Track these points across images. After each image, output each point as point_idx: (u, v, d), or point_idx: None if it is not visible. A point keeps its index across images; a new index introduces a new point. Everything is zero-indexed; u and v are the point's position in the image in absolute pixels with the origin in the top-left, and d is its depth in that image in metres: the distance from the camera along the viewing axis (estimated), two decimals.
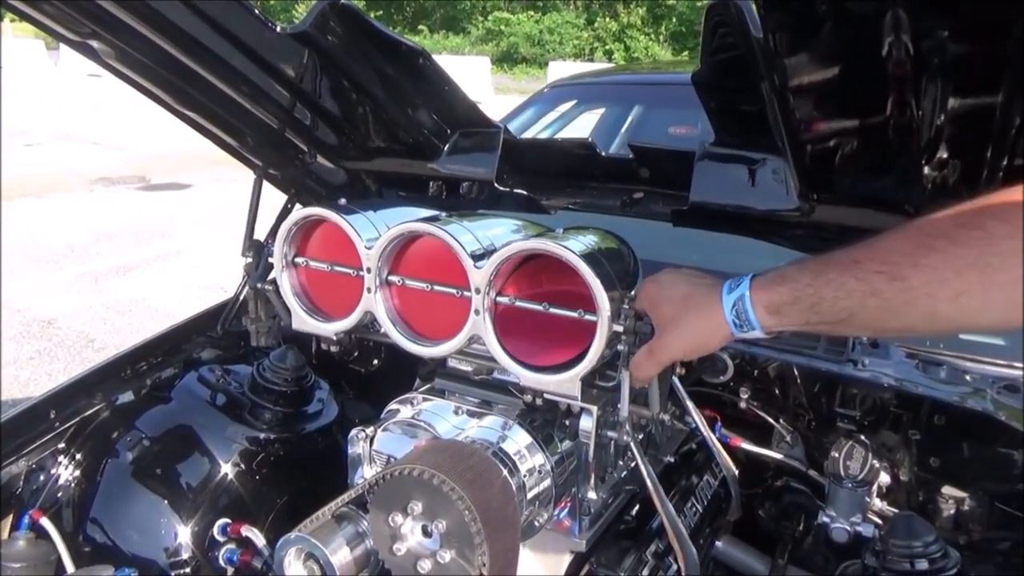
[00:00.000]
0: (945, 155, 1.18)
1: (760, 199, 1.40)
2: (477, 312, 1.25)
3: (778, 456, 1.69)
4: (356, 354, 2.03)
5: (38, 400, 1.69)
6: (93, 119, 14.12)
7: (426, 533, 1.11)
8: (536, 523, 1.28)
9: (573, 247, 1.18)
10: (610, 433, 1.30)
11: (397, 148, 1.74)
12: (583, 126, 3.26)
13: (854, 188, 1.34)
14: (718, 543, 1.64)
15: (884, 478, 1.58)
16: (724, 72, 1.21)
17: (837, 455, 1.55)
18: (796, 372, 1.64)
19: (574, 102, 3.31)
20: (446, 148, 1.69)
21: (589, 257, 1.17)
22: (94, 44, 1.51)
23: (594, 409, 1.26)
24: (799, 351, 1.58)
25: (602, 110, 3.42)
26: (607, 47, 27.63)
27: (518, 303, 1.25)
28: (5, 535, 1.57)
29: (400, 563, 1.11)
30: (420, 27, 29.84)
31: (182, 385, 1.83)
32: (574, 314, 1.20)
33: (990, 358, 1.61)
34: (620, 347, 1.18)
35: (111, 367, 1.82)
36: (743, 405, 1.71)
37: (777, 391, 1.70)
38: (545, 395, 1.27)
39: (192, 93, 1.62)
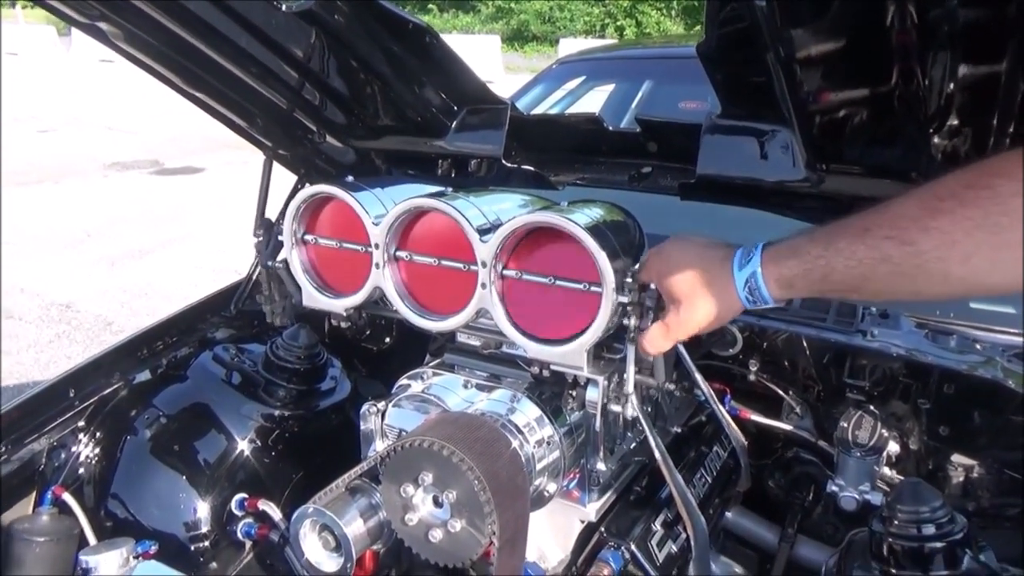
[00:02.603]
0: (953, 123, 1.17)
1: (768, 170, 1.39)
2: (484, 286, 1.27)
3: (787, 427, 1.70)
4: (368, 332, 2.05)
5: (57, 379, 1.72)
6: (106, 104, 14.19)
7: (437, 503, 1.13)
8: (546, 493, 1.30)
9: (578, 219, 1.19)
10: (616, 405, 1.32)
11: (405, 126, 1.74)
12: (593, 102, 3.23)
13: (862, 158, 1.33)
14: (728, 513, 1.66)
15: (893, 447, 1.58)
16: (730, 43, 1.20)
17: (846, 425, 1.55)
18: (805, 343, 1.64)
19: (583, 78, 3.28)
20: (454, 125, 1.69)
21: (593, 229, 1.18)
22: (103, 26, 1.52)
23: (600, 380, 1.27)
24: (809, 322, 1.58)
25: (612, 86, 3.39)
26: (618, 23, 27.31)
27: (524, 276, 1.26)
28: (29, 511, 1.61)
29: (412, 533, 1.14)
30: (430, 6, 29.57)
31: (197, 364, 1.85)
32: (579, 286, 1.21)
33: (1000, 326, 1.61)
34: (626, 320, 1.19)
35: (128, 347, 1.85)
36: (752, 377, 1.71)
37: (786, 363, 1.70)
38: (552, 367, 1.28)
39: (200, 74, 1.63)
